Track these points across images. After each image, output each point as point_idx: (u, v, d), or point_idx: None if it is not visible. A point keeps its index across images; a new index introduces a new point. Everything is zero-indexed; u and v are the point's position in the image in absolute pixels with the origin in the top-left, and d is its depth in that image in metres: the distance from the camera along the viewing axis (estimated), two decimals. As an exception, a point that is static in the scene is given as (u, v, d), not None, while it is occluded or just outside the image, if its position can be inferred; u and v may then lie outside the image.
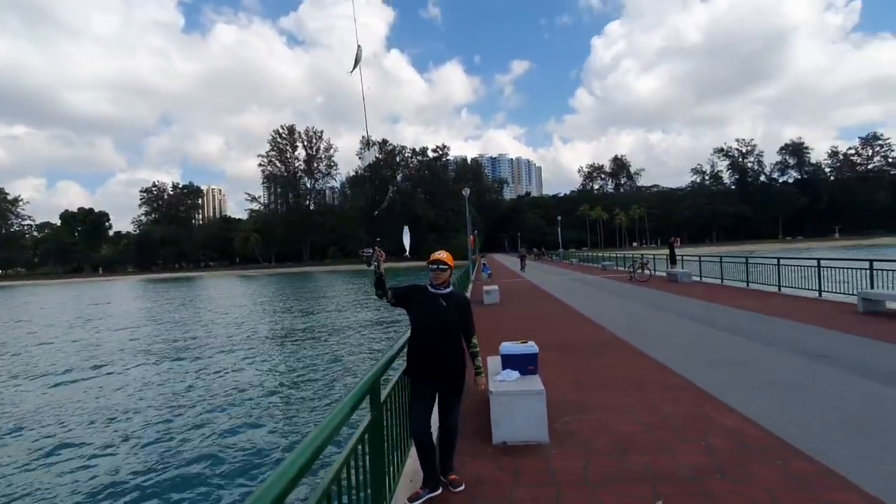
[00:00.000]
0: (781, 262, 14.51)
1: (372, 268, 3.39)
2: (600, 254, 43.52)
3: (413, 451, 3.61)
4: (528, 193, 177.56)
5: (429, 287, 3.41)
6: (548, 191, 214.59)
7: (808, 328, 8.47)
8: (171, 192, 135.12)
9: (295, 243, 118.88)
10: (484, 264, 30.32)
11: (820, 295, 12.56)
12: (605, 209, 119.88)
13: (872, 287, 11.11)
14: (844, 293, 11.80)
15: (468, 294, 18.58)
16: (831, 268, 12.53)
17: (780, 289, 14.20)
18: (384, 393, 2.96)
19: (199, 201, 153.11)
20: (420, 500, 3.18)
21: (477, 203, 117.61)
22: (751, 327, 8.79)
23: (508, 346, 4.64)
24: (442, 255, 3.44)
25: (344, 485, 2.10)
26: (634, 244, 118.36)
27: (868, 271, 11.29)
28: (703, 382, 5.55)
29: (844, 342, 7.25)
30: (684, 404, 4.86)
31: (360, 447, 2.40)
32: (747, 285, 15.91)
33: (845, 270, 12.06)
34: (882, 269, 11.10)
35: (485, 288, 15.17)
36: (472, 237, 25.16)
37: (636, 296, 15.13)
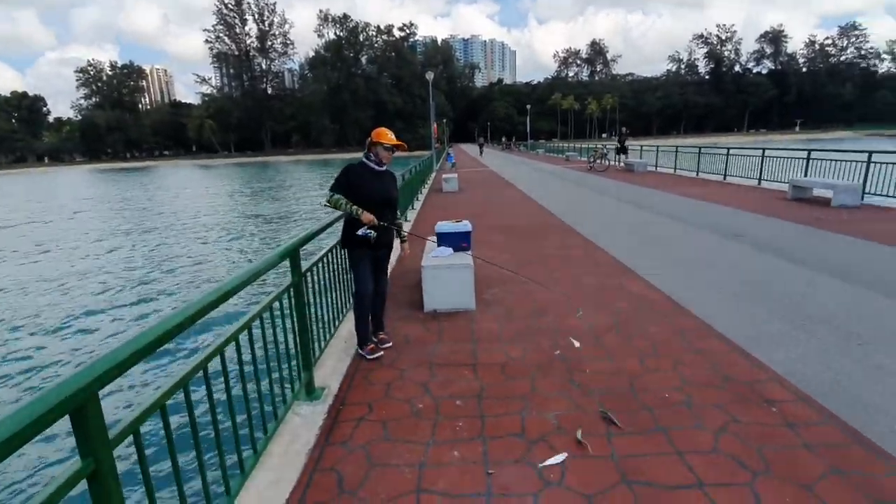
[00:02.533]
0: (730, 152, 14.96)
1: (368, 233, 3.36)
2: (568, 144, 43.30)
3: (348, 317, 3.94)
4: (500, 80, 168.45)
5: (372, 166, 3.45)
6: (521, 77, 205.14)
7: (738, 212, 9.08)
8: (110, 73, 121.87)
9: (254, 131, 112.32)
10: (449, 153, 29.87)
11: (759, 183, 13.23)
12: (577, 99, 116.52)
13: (807, 175, 11.76)
14: (781, 181, 12.47)
15: (430, 183, 18.61)
16: (774, 157, 13.05)
17: (725, 177, 14.83)
18: (308, 263, 3.15)
19: (143, 84, 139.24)
20: (375, 355, 3.55)
21: (446, 90, 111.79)
22: (686, 212, 9.34)
23: (443, 225, 4.87)
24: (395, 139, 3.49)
25: (257, 334, 2.36)
26: (604, 135, 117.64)
27: (805, 161, 11.87)
28: (626, 259, 6.05)
29: (764, 224, 7.88)
30: (604, 277, 5.35)
31: (277, 305, 2.64)
32: (697, 174, 16.49)
33: (785, 160, 12.61)
34: (818, 159, 11.67)
35: (443, 176, 15.18)
36: (434, 125, 24.36)
37: (590, 184, 15.53)
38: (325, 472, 2.31)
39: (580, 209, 10.43)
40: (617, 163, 20.60)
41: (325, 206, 3.41)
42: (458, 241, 4.77)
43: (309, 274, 3.18)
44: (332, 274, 3.75)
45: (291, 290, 2.86)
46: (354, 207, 3.32)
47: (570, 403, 2.81)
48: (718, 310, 4.22)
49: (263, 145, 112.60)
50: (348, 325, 4.00)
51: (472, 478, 2.24)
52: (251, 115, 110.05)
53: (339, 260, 3.97)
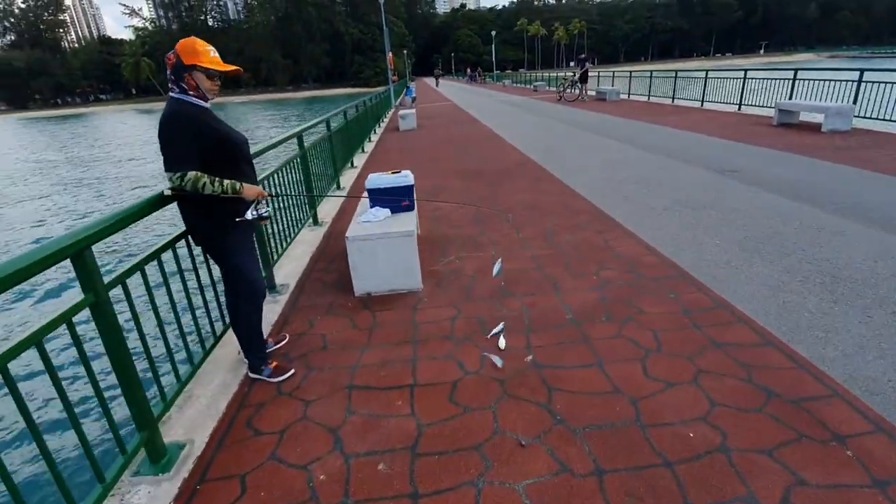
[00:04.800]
0: (709, 74, 13.81)
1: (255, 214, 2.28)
2: (535, 74, 41.13)
3: (227, 336, 2.79)
4: (462, 6, 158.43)
5: (200, 104, 2.12)
6: (486, 2, 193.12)
7: (725, 143, 8.12)
8: (23, 5, 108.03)
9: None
10: (408, 87, 27.64)
11: (739, 109, 12.27)
12: (544, 24, 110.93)
13: (792, 98, 10.83)
14: (763, 105, 11.53)
15: (386, 122, 16.95)
16: (757, 79, 12.01)
17: (702, 104, 13.78)
18: (124, 266, 1.97)
19: (64, 17, 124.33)
20: (285, 376, 2.50)
21: (406, 17, 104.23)
22: (670, 145, 8.32)
23: (376, 179, 3.67)
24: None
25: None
26: (571, 63, 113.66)
27: (791, 82, 10.89)
28: (608, 206, 5.05)
29: (757, 156, 6.95)
30: (584, 232, 4.34)
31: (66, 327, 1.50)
32: (673, 101, 15.38)
33: (770, 82, 11.59)
34: (805, 79, 10.70)
35: (400, 112, 13.58)
36: (391, 56, 22.02)
37: (561, 116, 14.25)
38: None
39: (551, 145, 9.28)
40: (584, 92, 19.15)
41: (174, 193, 2.09)
42: (396, 199, 3.62)
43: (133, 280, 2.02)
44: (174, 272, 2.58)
45: (89, 310, 1.71)
46: (228, 183, 2.10)
47: (551, 461, 1.85)
48: (731, 276, 3.29)
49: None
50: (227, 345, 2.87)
51: None
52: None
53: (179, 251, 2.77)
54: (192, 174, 2.01)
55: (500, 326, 2.79)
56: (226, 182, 2.09)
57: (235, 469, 1.94)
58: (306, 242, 4.65)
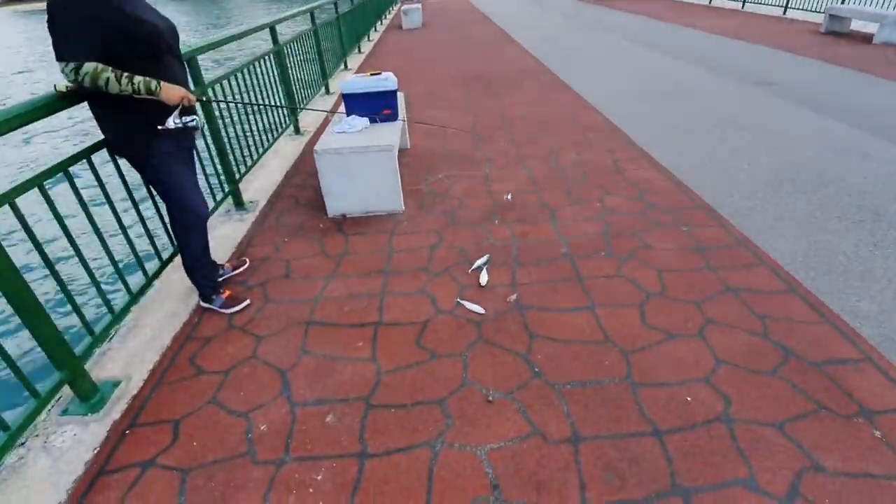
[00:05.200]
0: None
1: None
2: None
3: (174, 263, 2.47)
4: None
5: None
6: None
7: (765, 51, 7.20)
8: None
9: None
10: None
11: (785, 12, 10.89)
12: None
13: (845, 2, 9.53)
14: (810, 10, 10.20)
15: (390, 18, 15.46)
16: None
17: (743, 5, 12.27)
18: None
19: None
20: (238, 307, 2.24)
21: None
22: (702, 51, 7.40)
23: (353, 82, 3.15)
24: None
25: None
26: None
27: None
28: (624, 122, 4.49)
29: (799, 67, 6.14)
30: (593, 151, 3.86)
31: None
32: (710, 1, 13.73)
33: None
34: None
35: (403, 7, 12.24)
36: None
37: (583, 15, 12.81)
38: None
39: (568, 50, 8.33)
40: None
41: (71, 88, 1.65)
42: (376, 107, 3.13)
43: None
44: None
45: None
46: (140, 81, 1.66)
47: (522, 422, 1.61)
48: (757, 209, 2.88)
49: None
50: (177, 271, 2.58)
51: None
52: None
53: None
54: (89, 66, 1.57)
55: (484, 259, 2.47)
56: (136, 79, 1.65)
57: (170, 413, 1.74)
58: (284, 154, 4.22)
